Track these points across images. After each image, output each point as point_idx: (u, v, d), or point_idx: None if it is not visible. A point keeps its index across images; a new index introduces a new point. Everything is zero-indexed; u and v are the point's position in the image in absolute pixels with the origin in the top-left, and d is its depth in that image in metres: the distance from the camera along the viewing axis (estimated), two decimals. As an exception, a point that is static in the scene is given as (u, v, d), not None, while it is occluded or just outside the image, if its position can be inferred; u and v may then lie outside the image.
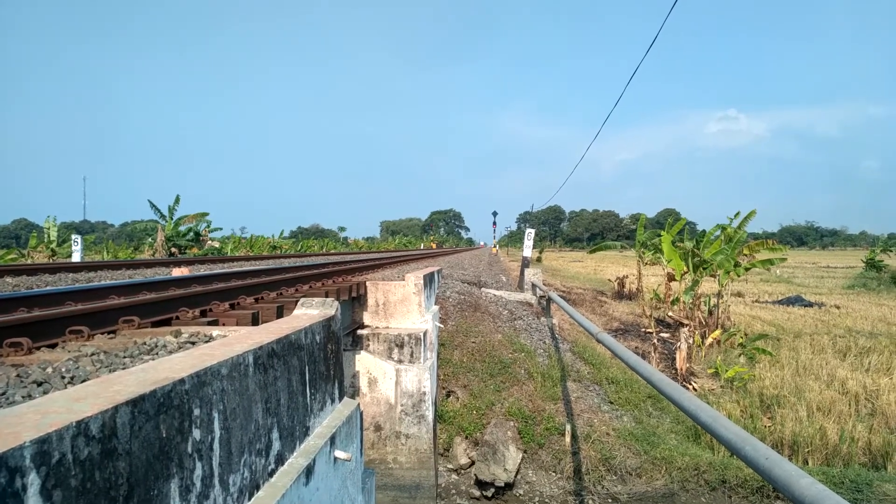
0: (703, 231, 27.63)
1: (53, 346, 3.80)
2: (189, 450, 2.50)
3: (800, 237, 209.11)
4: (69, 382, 2.86)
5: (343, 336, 9.79)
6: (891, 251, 60.66)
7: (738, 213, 23.95)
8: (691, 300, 22.56)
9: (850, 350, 18.61)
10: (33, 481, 1.66)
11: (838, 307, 29.26)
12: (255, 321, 5.44)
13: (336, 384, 5.01)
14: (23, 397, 2.60)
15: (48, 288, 6.80)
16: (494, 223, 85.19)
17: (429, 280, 11.99)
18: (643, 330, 22.25)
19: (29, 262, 29.14)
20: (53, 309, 4.74)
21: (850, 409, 13.41)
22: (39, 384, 2.80)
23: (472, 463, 11.69)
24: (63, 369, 3.03)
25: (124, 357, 3.42)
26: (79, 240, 26.38)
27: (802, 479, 2.82)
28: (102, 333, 4.25)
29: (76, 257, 25.73)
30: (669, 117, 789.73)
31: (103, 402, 2.04)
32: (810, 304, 30.22)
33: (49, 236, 33.62)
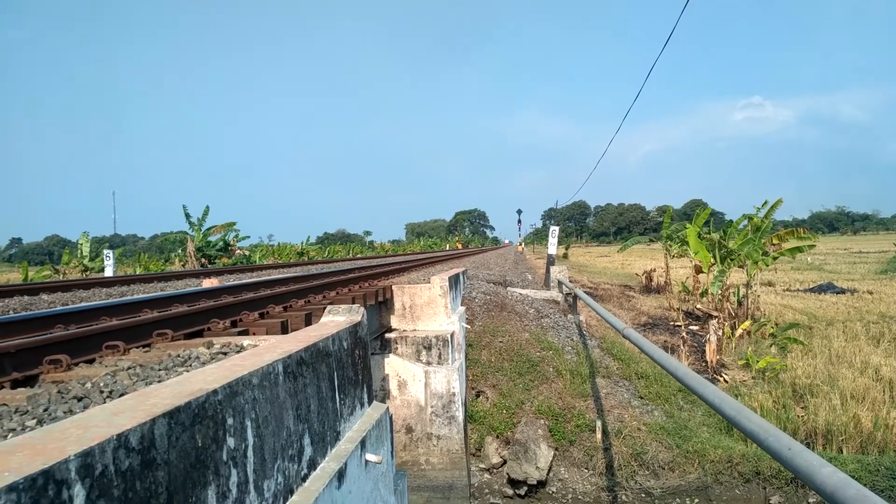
0: (731, 221, 27.36)
1: (91, 362, 3.93)
2: (224, 458, 2.60)
3: (831, 223, 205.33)
4: (108, 397, 2.98)
5: (371, 340, 9.92)
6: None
7: (765, 203, 23.72)
8: (720, 292, 22.38)
9: (884, 336, 18.31)
10: (79, 493, 1.77)
11: (871, 293, 28.74)
12: (284, 330, 5.55)
13: (364, 389, 5.11)
14: (64, 413, 2.72)
15: (83, 304, 6.99)
16: (519, 221, 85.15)
17: (454, 281, 12.07)
18: (672, 323, 22.12)
19: (62, 278, 29.72)
20: (89, 325, 4.90)
21: (884, 395, 13.21)
22: (79, 399, 2.92)
23: (504, 462, 11.74)
24: (101, 384, 3.15)
25: (159, 370, 3.54)
26: (110, 254, 26.81)
27: (824, 468, 2.85)
28: (138, 347, 4.38)
29: (108, 272, 26.15)
30: (694, 107, 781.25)
31: (141, 415, 2.14)
32: (842, 291, 29.72)
33: (82, 251, 34.23)
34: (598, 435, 12.04)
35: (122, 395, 2.94)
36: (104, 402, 2.81)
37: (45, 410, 2.73)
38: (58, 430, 1.99)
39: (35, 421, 2.60)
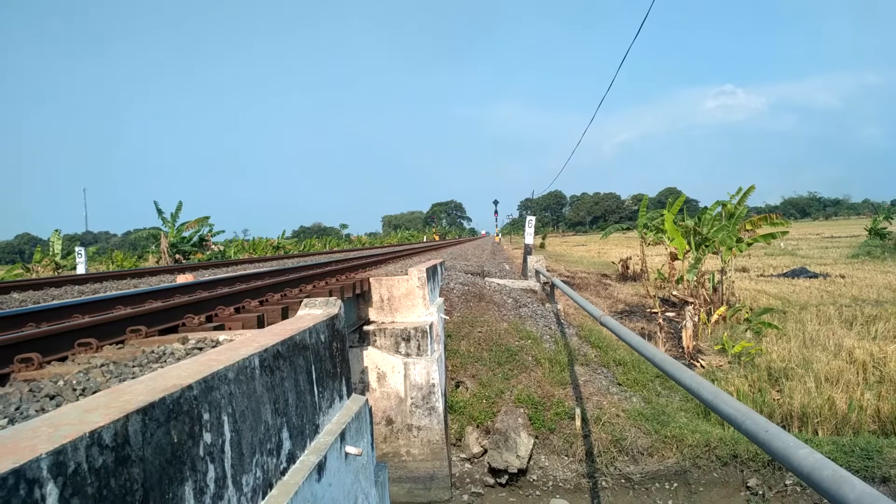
0: (705, 208, 27.62)
1: (63, 360, 3.87)
2: (201, 453, 2.57)
3: (803, 209, 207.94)
4: (80, 394, 2.93)
5: (349, 333, 9.88)
6: (894, 218, 60.37)
7: (739, 190, 23.96)
8: (695, 278, 22.59)
9: (857, 319, 18.59)
10: (51, 491, 1.73)
11: (843, 277, 29.17)
12: (260, 324, 5.51)
13: (343, 381, 5.08)
14: (36, 411, 2.67)
15: (55, 302, 6.87)
16: (496, 212, 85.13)
17: (432, 273, 12.05)
18: (649, 310, 22.29)
19: (34, 276, 29.25)
20: (61, 322, 4.81)
21: (857, 377, 13.42)
22: (52, 397, 2.87)
23: (485, 451, 11.78)
24: (74, 382, 3.10)
25: (133, 366, 3.49)
26: (82, 251, 26.46)
27: (800, 449, 2.88)
28: (111, 344, 4.32)
29: (81, 269, 25.80)
30: (667, 95, 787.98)
31: (114, 411, 2.10)
32: (815, 276, 30.12)
33: (53, 249, 33.72)
34: (578, 422, 12.11)
35: (95, 392, 2.89)
36: (77, 400, 2.76)
37: (17, 409, 2.68)
38: (29, 428, 1.95)
39: (6, 420, 2.54)
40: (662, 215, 30.61)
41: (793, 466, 2.91)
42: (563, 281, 21.36)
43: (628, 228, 42.87)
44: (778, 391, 13.35)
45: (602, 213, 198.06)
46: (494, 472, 11.44)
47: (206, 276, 12.00)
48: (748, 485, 10.68)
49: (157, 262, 33.05)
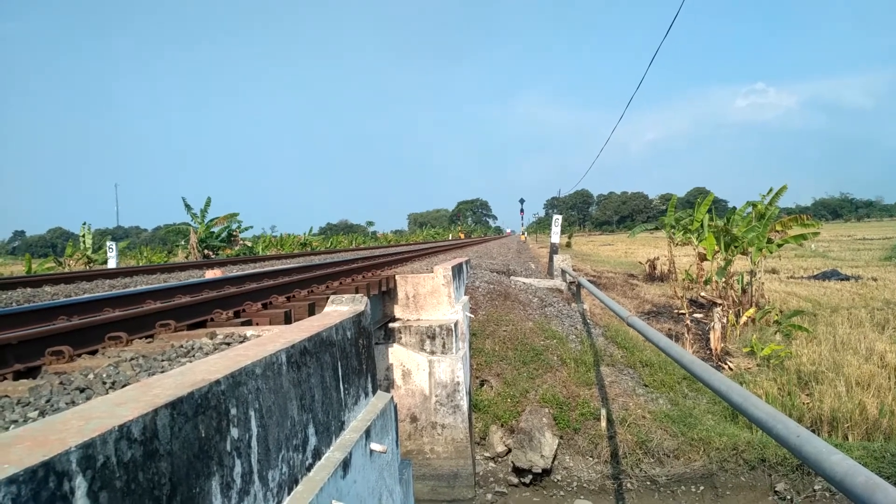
0: (734, 209, 27.29)
1: (94, 353, 3.91)
2: (228, 448, 2.58)
3: (834, 210, 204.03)
4: (110, 388, 2.95)
5: (375, 330, 9.90)
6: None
7: (770, 190, 23.64)
8: (724, 279, 22.31)
9: (889, 322, 18.25)
10: (80, 484, 1.74)
11: (875, 279, 28.64)
12: (287, 320, 5.52)
13: (369, 378, 5.08)
14: (66, 404, 2.69)
15: (86, 296, 6.96)
16: (522, 210, 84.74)
17: (457, 271, 12.04)
18: (676, 311, 22.04)
19: (66, 270, 29.71)
20: (92, 316, 4.87)
21: (889, 382, 13.17)
22: (82, 390, 2.90)
23: (509, 450, 11.75)
24: (104, 375, 3.12)
25: (162, 360, 3.51)
26: (113, 246, 26.82)
27: (833, 455, 2.82)
28: (140, 338, 4.36)
29: (111, 263, 26.14)
30: (697, 94, 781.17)
31: (143, 405, 2.11)
32: (847, 278, 29.61)
33: (84, 243, 34.18)
34: (603, 423, 12.03)
35: (124, 385, 2.92)
36: (107, 393, 2.78)
37: (48, 402, 2.71)
38: (59, 421, 1.97)
39: (37, 412, 2.57)
40: (691, 215, 30.32)
41: (824, 472, 2.85)
42: (589, 280, 21.22)
43: (656, 228, 42.55)
44: (807, 395, 13.16)
45: (629, 213, 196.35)
46: (518, 471, 11.40)
47: (234, 271, 12.10)
48: (776, 489, 10.54)
49: (186, 258, 33.36)
